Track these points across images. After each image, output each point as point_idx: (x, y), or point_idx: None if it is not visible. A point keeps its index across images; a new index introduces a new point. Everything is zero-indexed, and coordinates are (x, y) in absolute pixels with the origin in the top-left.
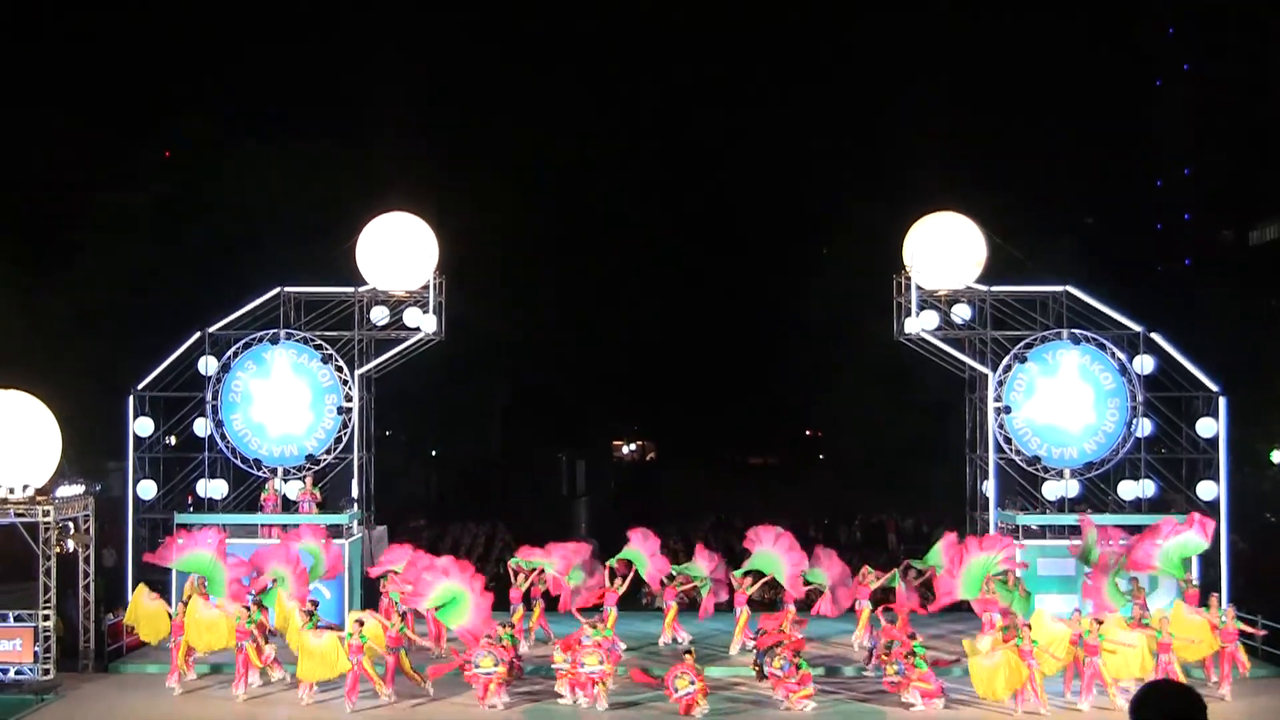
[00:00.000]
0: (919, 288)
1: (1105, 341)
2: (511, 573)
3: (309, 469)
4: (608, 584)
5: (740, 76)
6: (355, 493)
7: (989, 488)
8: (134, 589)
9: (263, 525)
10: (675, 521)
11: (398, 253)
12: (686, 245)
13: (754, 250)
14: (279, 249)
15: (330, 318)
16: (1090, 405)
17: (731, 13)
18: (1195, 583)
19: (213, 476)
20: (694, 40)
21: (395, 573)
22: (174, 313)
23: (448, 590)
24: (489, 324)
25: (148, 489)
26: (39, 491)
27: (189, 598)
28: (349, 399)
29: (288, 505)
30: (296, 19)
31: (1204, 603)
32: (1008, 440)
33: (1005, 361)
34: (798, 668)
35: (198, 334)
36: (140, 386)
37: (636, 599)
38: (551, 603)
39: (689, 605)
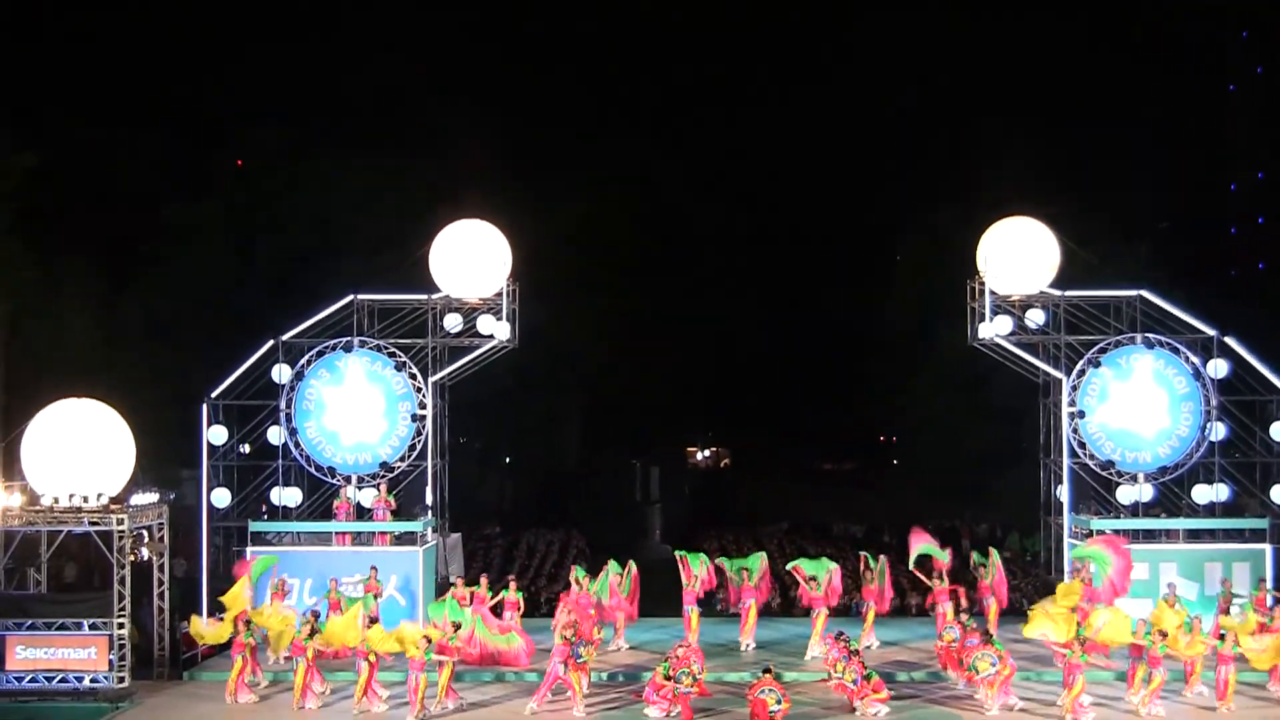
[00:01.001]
0: (993, 293)
1: (1179, 345)
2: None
3: (383, 476)
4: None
5: (812, 86)
6: (429, 500)
7: (1063, 492)
8: (209, 597)
9: (337, 533)
10: (748, 527)
11: (471, 259)
12: (760, 252)
13: (828, 257)
14: (352, 258)
15: (403, 325)
16: (1164, 409)
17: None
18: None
19: (286, 484)
20: (767, 50)
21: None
22: (247, 322)
23: None
24: (562, 331)
25: (222, 497)
26: (114, 500)
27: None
28: (423, 406)
29: (362, 513)
30: (373, 32)
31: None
32: (1081, 445)
33: (1079, 366)
34: (867, 679)
35: (271, 342)
36: (214, 395)
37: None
38: None
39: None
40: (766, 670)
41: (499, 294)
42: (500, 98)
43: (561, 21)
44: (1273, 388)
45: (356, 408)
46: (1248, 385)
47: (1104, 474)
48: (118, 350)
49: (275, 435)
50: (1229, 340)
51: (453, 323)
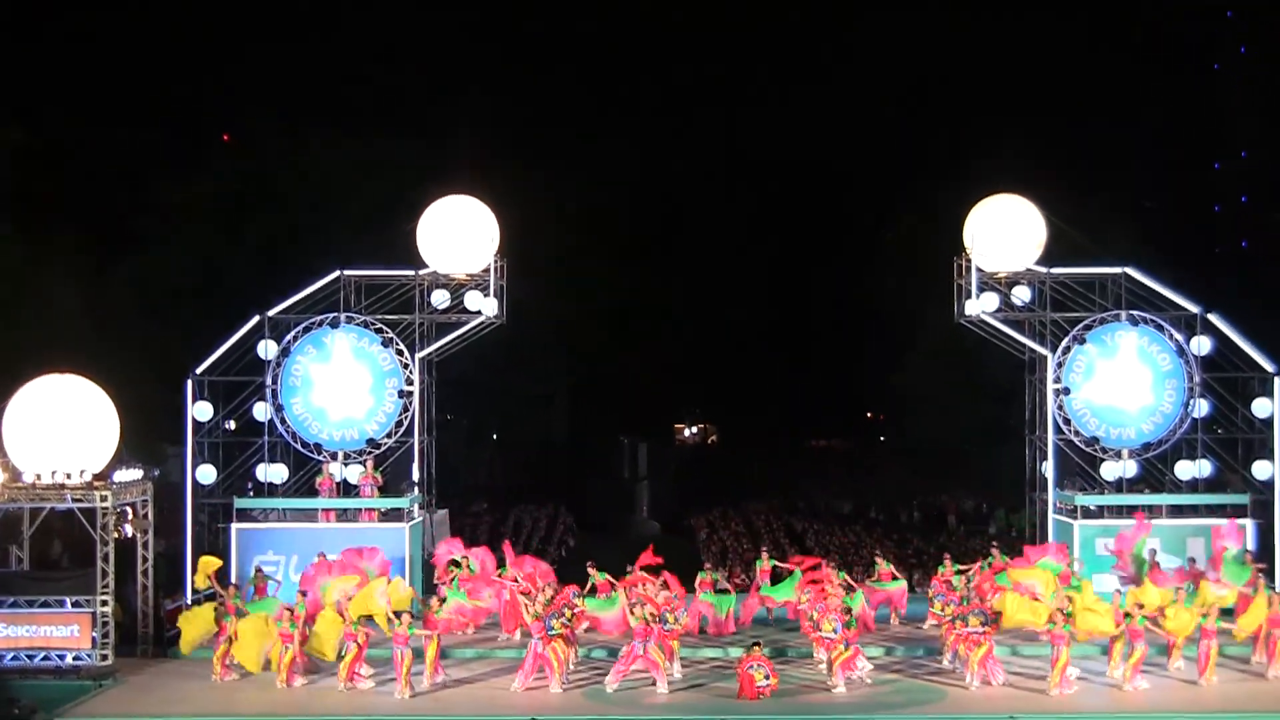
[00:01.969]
0: (979, 270)
1: (1163, 323)
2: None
3: (370, 453)
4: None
5: (806, 67)
6: (416, 477)
7: (1048, 468)
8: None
9: (323, 510)
10: (736, 504)
11: (458, 235)
12: (750, 230)
13: (817, 234)
14: (340, 234)
15: (390, 301)
16: (1148, 386)
17: None
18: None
19: (272, 461)
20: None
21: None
22: (235, 298)
23: None
24: (550, 308)
25: (207, 474)
26: (97, 477)
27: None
28: (410, 382)
29: (348, 489)
30: (363, 12)
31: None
32: (1066, 421)
33: (1064, 343)
34: (848, 626)
35: (257, 318)
36: (199, 371)
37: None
38: None
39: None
40: (756, 644)
41: (486, 270)
42: (490, 76)
43: (556, 2)
44: (1255, 364)
45: (343, 384)
46: (1231, 362)
47: (1089, 450)
48: (104, 326)
49: (261, 412)
50: (1212, 317)
51: (440, 299)
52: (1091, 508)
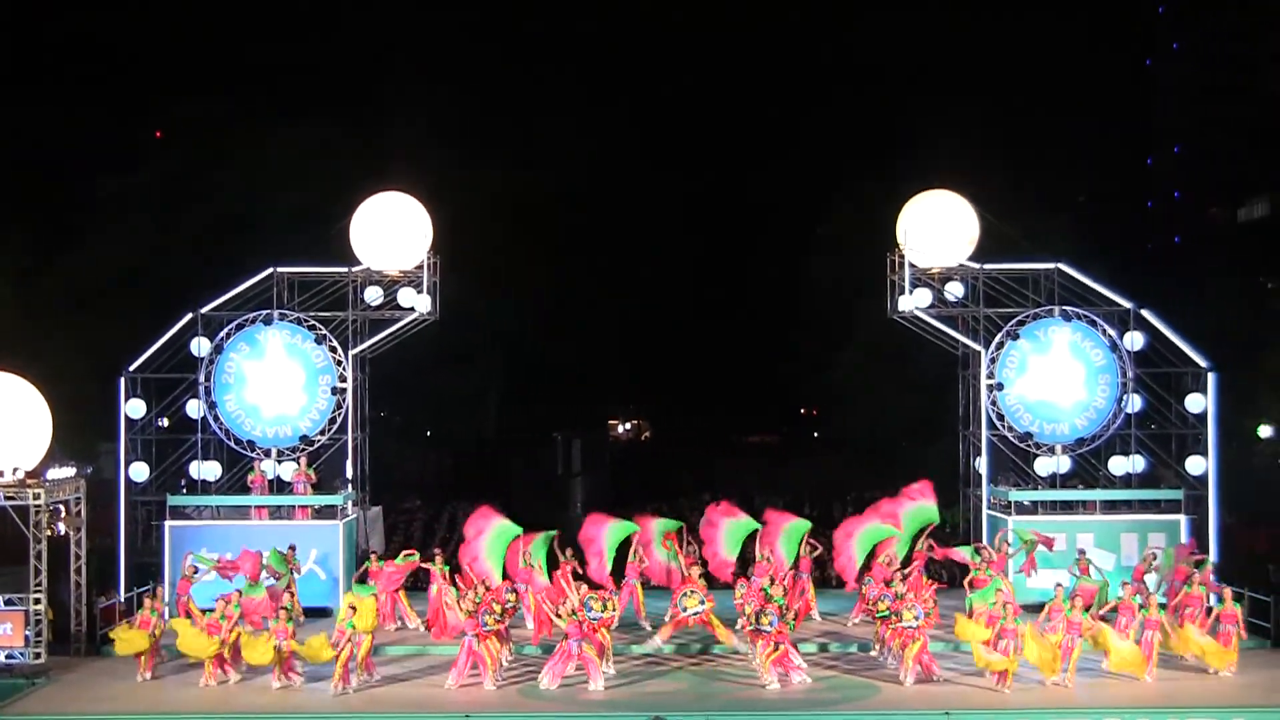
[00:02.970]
0: (912, 265)
1: (1096, 318)
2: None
3: (303, 450)
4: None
5: (736, 59)
6: (350, 474)
7: (981, 464)
8: (127, 572)
9: (256, 507)
10: (670, 500)
11: (391, 232)
12: (681, 224)
13: (749, 228)
14: (273, 230)
15: (324, 298)
16: (1081, 382)
17: None
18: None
19: (206, 458)
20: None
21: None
22: (167, 295)
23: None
24: (483, 304)
25: (140, 471)
26: (29, 474)
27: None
28: (343, 379)
29: (282, 487)
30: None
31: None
32: (1000, 417)
33: (998, 339)
34: (783, 619)
35: (190, 315)
36: (132, 368)
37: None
38: None
39: None
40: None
41: (420, 267)
42: (425, 68)
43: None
44: (1188, 360)
45: (276, 381)
46: (1164, 358)
47: (1022, 446)
48: (36, 322)
49: (194, 409)
50: (1145, 313)
51: (373, 295)
52: (1025, 503)
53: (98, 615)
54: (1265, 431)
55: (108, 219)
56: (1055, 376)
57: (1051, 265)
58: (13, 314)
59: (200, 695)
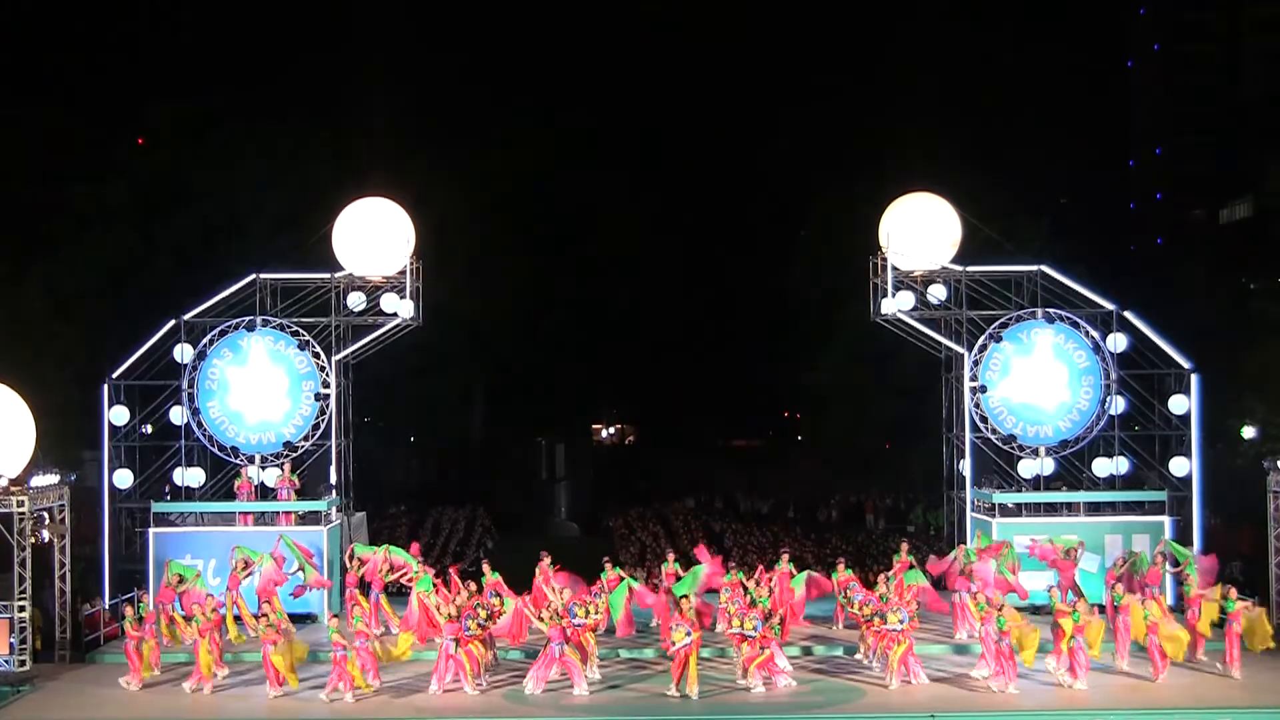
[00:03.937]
0: (895, 268)
1: (1079, 320)
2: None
3: (287, 456)
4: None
5: (719, 63)
6: (334, 479)
7: (965, 466)
8: (111, 579)
9: (240, 513)
10: (654, 504)
11: (373, 238)
12: (666, 228)
13: (734, 233)
14: (256, 237)
15: (306, 304)
16: (1064, 383)
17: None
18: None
19: (190, 465)
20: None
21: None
22: (151, 302)
23: None
24: (466, 309)
25: (124, 478)
26: (13, 482)
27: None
28: (326, 385)
29: (266, 493)
30: (273, 7)
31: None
32: (984, 419)
33: (981, 341)
34: (768, 623)
35: (173, 322)
36: (115, 375)
37: None
38: None
39: None
40: (684, 597)
41: (402, 272)
42: (407, 74)
43: (540, 13)
44: (1171, 361)
45: (260, 387)
46: (1147, 359)
47: (1006, 448)
48: (18, 330)
49: (178, 415)
50: (1128, 315)
51: (356, 301)
52: (1009, 505)
53: (82, 623)
54: (1248, 432)
55: (90, 227)
56: (1038, 378)
57: (1034, 267)
58: None
59: (188, 703)
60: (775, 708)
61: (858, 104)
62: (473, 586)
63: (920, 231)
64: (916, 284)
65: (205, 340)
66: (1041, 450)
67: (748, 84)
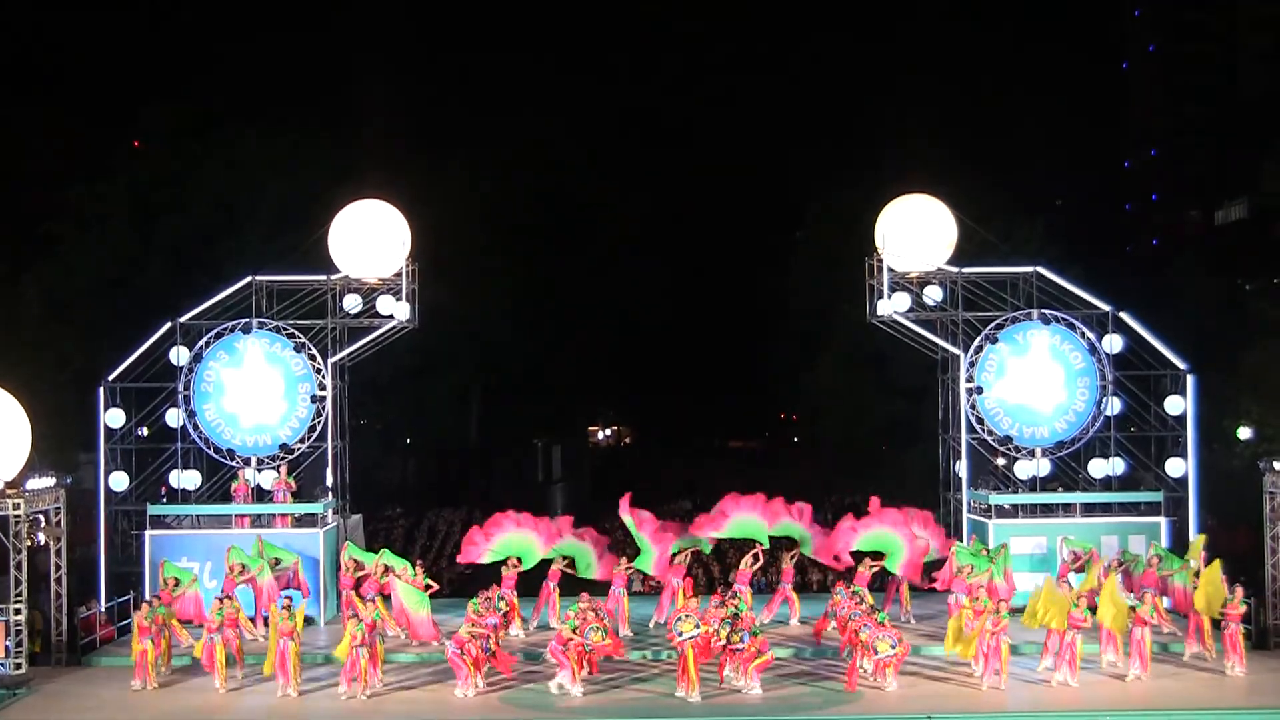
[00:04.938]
0: (891, 270)
1: (1075, 321)
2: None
3: (283, 458)
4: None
5: (715, 65)
6: (330, 482)
7: (961, 468)
8: (107, 581)
9: (236, 515)
10: (651, 506)
11: (370, 240)
12: (663, 230)
13: (731, 234)
14: (252, 239)
15: (302, 306)
16: (1060, 385)
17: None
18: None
19: (186, 467)
20: (672, 28)
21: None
22: (147, 304)
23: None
24: (463, 311)
25: (120, 481)
26: (9, 484)
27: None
28: (322, 387)
29: (262, 495)
30: (269, 8)
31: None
32: (979, 420)
33: (976, 342)
34: (754, 634)
35: (168, 324)
36: (111, 378)
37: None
38: None
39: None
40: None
41: (398, 274)
42: (401, 75)
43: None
44: (1167, 362)
45: (256, 389)
46: (1143, 360)
47: (1002, 449)
48: (14, 333)
49: (174, 418)
50: (1124, 316)
51: (352, 303)
52: (1005, 507)
53: (78, 625)
54: (1244, 433)
55: (86, 229)
56: (1034, 380)
57: (1030, 268)
58: None
59: (185, 704)
60: (773, 710)
61: (856, 104)
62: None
63: (916, 233)
64: (913, 285)
65: (201, 342)
66: (1037, 451)
67: (748, 83)
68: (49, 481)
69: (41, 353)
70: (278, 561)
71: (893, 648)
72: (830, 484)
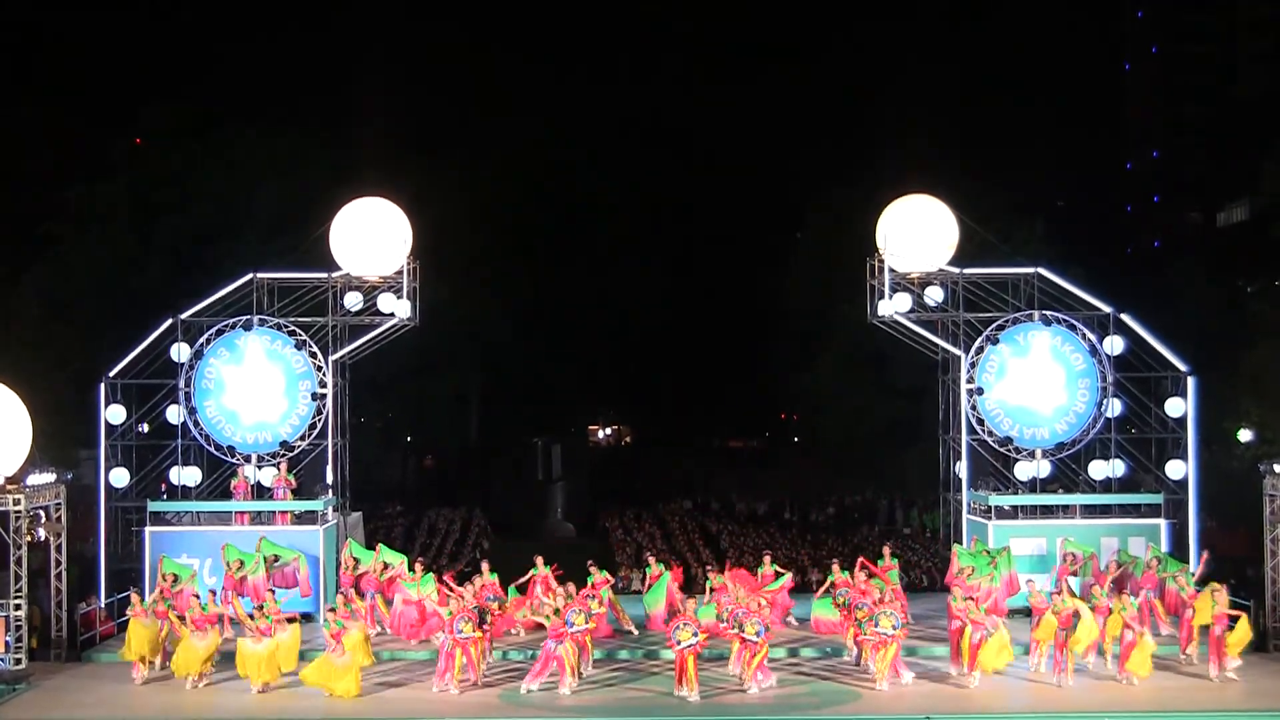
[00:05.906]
0: (892, 270)
1: (1076, 323)
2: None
3: (283, 455)
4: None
5: (716, 65)
6: (330, 479)
7: (962, 469)
8: (107, 577)
9: (236, 512)
10: (650, 505)
11: (371, 237)
12: (663, 230)
13: (731, 234)
14: (252, 239)
15: (303, 304)
16: (1061, 386)
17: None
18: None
19: (186, 464)
20: (671, 29)
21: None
22: (148, 301)
23: None
24: (464, 309)
25: (120, 477)
26: (9, 480)
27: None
28: (323, 385)
29: (262, 492)
30: (269, 8)
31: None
32: (980, 421)
33: (977, 343)
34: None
35: (170, 321)
36: (112, 374)
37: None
38: None
39: None
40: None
41: (400, 272)
42: (402, 75)
43: (536, 10)
44: (1168, 364)
45: (256, 386)
46: (1144, 362)
47: (1002, 450)
48: (15, 329)
49: (174, 414)
50: (1125, 317)
51: (353, 301)
52: (1005, 508)
53: (78, 621)
54: (1245, 435)
55: (87, 227)
56: (1035, 381)
57: (1031, 270)
58: None
59: (183, 699)
60: (771, 709)
61: (856, 105)
62: (468, 592)
63: (917, 233)
64: (913, 286)
65: (202, 339)
66: (1038, 453)
67: (747, 84)
68: (49, 477)
69: (41, 352)
70: (276, 558)
71: (895, 628)
72: (829, 485)
